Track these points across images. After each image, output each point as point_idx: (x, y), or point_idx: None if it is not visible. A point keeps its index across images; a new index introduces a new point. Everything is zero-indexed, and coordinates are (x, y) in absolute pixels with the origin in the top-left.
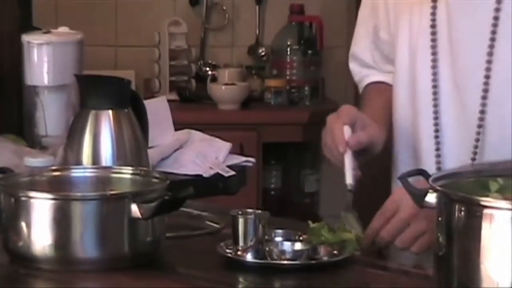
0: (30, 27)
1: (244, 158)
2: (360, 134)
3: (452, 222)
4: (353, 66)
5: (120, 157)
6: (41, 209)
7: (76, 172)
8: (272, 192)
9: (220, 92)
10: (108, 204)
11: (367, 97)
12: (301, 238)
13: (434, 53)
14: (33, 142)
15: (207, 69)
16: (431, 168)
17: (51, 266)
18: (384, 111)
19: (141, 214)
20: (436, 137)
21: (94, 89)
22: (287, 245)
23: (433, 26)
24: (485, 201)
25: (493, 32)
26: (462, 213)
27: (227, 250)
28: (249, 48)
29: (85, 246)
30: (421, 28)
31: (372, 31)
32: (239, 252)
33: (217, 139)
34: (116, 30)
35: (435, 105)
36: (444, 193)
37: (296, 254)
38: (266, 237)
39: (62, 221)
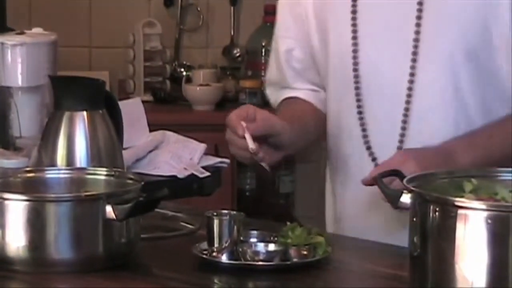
0: (3, 28)
1: (219, 159)
2: (257, 119)
3: (427, 222)
4: (269, 91)
5: (95, 158)
6: (15, 211)
7: (50, 173)
8: (247, 193)
9: (194, 93)
10: (83, 205)
11: (278, 110)
12: (275, 239)
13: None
14: (7, 143)
15: (182, 70)
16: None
17: (25, 267)
18: (292, 113)
19: (115, 216)
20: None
21: (68, 90)
22: (260, 246)
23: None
24: (460, 201)
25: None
26: (437, 213)
27: (202, 251)
28: (223, 49)
29: (60, 247)
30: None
31: (285, 51)
32: (214, 253)
33: (192, 140)
34: (90, 31)
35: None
36: (418, 194)
37: (270, 255)
38: (241, 238)
39: (36, 223)
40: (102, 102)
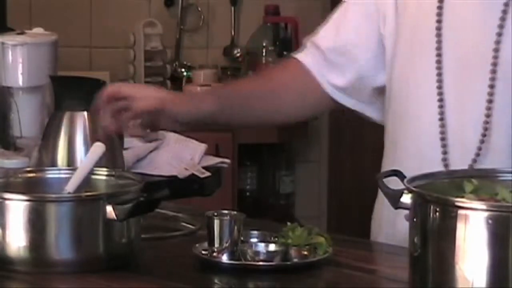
0: (4, 28)
1: (220, 159)
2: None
3: (427, 223)
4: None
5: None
6: (15, 211)
7: (51, 174)
8: (248, 194)
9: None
10: (83, 205)
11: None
12: (276, 239)
13: (438, 48)
14: (8, 143)
15: (182, 70)
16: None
17: (26, 268)
18: (241, 88)
19: (116, 216)
20: (443, 139)
21: (69, 90)
22: (261, 246)
23: (438, 21)
24: (460, 201)
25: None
26: (437, 213)
27: (202, 252)
28: (224, 49)
29: (60, 247)
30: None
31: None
32: (214, 254)
33: (192, 140)
34: (91, 31)
35: (440, 106)
36: (419, 194)
37: (270, 255)
38: (242, 238)
39: (36, 223)
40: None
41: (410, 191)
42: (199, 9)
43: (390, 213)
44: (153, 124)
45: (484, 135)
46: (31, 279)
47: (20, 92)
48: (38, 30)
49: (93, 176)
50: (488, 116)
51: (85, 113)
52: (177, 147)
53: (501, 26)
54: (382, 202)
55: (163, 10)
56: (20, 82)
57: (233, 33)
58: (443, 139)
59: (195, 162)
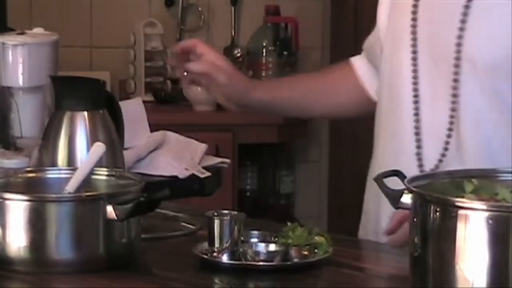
0: (4, 28)
1: (220, 159)
2: (202, 60)
3: (427, 223)
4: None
5: None
6: (16, 211)
7: (51, 174)
8: (248, 193)
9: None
10: (83, 205)
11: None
12: (276, 239)
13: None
14: (8, 143)
15: None
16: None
17: (26, 268)
18: (291, 81)
19: (116, 216)
20: (417, 134)
21: (69, 90)
22: (261, 246)
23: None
24: (460, 201)
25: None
26: (437, 214)
27: (203, 252)
28: (224, 49)
29: (60, 247)
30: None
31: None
32: (214, 254)
33: (193, 140)
34: (91, 31)
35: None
36: (419, 194)
37: (270, 255)
38: (242, 238)
39: (37, 223)
40: (103, 102)
41: (410, 191)
42: (200, 9)
43: (374, 210)
44: (207, 88)
45: (450, 129)
46: (32, 279)
47: (21, 92)
48: (38, 30)
49: (94, 176)
50: (453, 110)
51: (86, 113)
52: (178, 147)
53: (463, 21)
54: (370, 196)
55: (164, 10)
56: (21, 82)
57: (233, 33)
58: (417, 134)
59: (195, 162)
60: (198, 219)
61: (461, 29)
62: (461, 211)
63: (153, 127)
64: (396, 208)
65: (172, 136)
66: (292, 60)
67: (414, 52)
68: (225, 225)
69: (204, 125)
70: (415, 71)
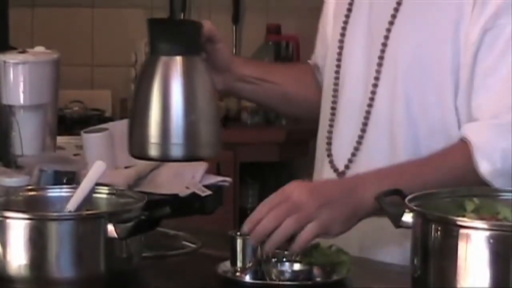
0: (6, 47)
1: (221, 178)
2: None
3: (429, 242)
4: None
5: (191, 107)
6: (16, 229)
7: (52, 192)
8: (249, 212)
9: None
10: (84, 224)
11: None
12: (297, 258)
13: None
14: (8, 161)
15: None
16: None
17: (27, 286)
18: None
19: (117, 234)
20: (330, 132)
21: (164, 34)
22: (286, 266)
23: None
24: (461, 221)
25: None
26: (439, 233)
27: (225, 271)
28: None
29: (61, 266)
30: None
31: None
32: (237, 273)
33: None
34: (93, 49)
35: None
36: (420, 213)
37: (295, 274)
38: (264, 257)
39: (37, 241)
40: (200, 46)
41: (411, 210)
42: None
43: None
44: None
45: (363, 131)
46: None
47: (22, 110)
48: (39, 48)
49: (94, 195)
50: (368, 112)
51: (181, 57)
52: (179, 165)
53: (388, 30)
54: None
55: None
56: (22, 101)
57: (234, 51)
58: (330, 132)
59: (196, 181)
60: (199, 237)
61: (387, 37)
62: (462, 230)
63: None
64: (397, 227)
65: None
66: None
67: (340, 53)
68: (247, 244)
69: None
70: (337, 72)
